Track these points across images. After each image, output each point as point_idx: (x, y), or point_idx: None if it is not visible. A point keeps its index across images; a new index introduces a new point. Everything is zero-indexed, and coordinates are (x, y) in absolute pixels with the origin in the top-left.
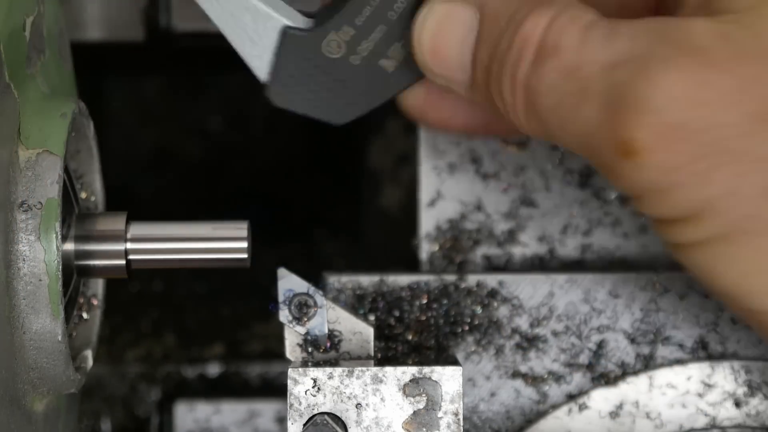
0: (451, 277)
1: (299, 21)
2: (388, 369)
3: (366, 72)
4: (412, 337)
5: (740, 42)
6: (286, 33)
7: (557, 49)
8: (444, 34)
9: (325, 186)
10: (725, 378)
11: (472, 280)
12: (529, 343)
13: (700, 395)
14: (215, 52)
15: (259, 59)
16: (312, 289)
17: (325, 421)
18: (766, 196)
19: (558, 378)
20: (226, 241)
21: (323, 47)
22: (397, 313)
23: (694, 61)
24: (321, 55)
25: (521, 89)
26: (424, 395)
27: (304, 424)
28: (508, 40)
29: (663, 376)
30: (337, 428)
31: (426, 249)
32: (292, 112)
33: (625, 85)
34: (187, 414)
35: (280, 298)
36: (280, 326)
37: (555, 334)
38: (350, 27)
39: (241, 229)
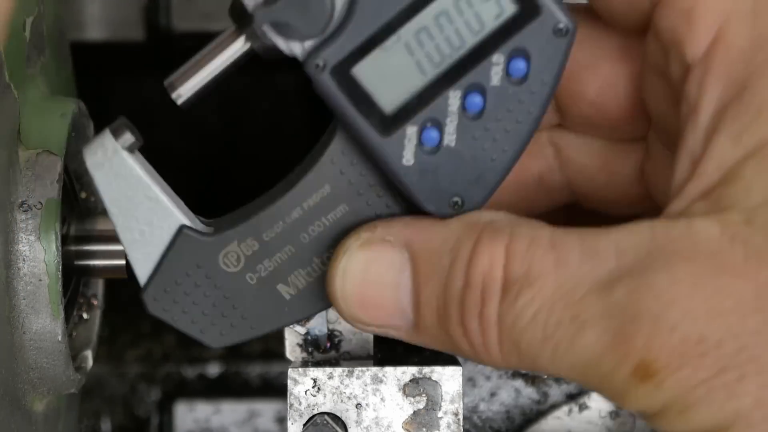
0: None
1: (199, 225)
2: (388, 369)
3: (260, 294)
4: None
5: (754, 244)
6: (182, 233)
7: (530, 278)
8: (372, 282)
9: None
10: None
11: None
12: None
13: None
14: None
15: (144, 256)
16: None
17: (325, 421)
18: None
19: (558, 378)
20: None
21: (220, 257)
22: None
23: (705, 268)
24: (215, 265)
25: (494, 328)
26: (424, 395)
27: (304, 424)
28: (462, 279)
29: None
30: (337, 428)
31: None
32: (167, 323)
33: (631, 304)
34: (187, 414)
35: None
36: None
37: None
38: (255, 241)
39: None
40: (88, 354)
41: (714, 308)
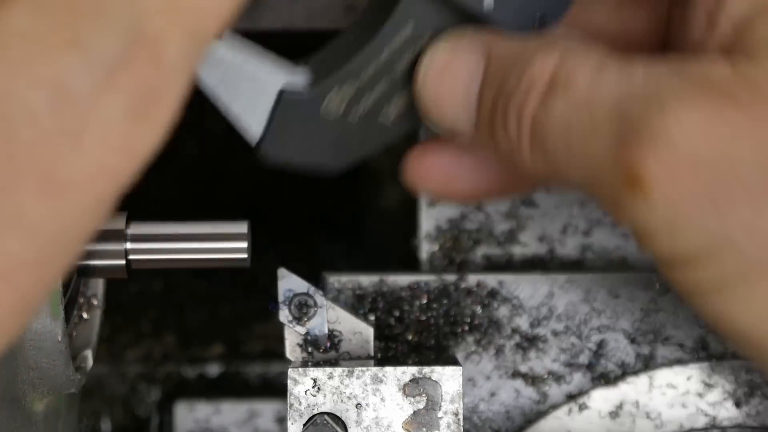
0: (451, 277)
1: (298, 79)
2: (388, 369)
3: (364, 128)
4: (412, 337)
5: (759, 84)
6: (284, 97)
7: (568, 84)
8: (447, 80)
9: (325, 186)
10: (725, 378)
11: (472, 280)
12: (529, 343)
13: (700, 395)
14: None
15: (255, 122)
16: (312, 289)
17: (325, 421)
18: None
19: (558, 378)
20: (226, 241)
21: (322, 109)
22: (397, 313)
23: (712, 99)
24: (318, 114)
25: (528, 124)
26: (424, 395)
27: (304, 424)
28: (516, 78)
29: (663, 376)
30: (337, 428)
31: (426, 249)
32: (285, 166)
33: (639, 117)
34: (187, 414)
35: (280, 298)
36: (280, 326)
37: (555, 334)
38: (354, 81)
39: (241, 228)
40: (88, 354)
41: (713, 132)
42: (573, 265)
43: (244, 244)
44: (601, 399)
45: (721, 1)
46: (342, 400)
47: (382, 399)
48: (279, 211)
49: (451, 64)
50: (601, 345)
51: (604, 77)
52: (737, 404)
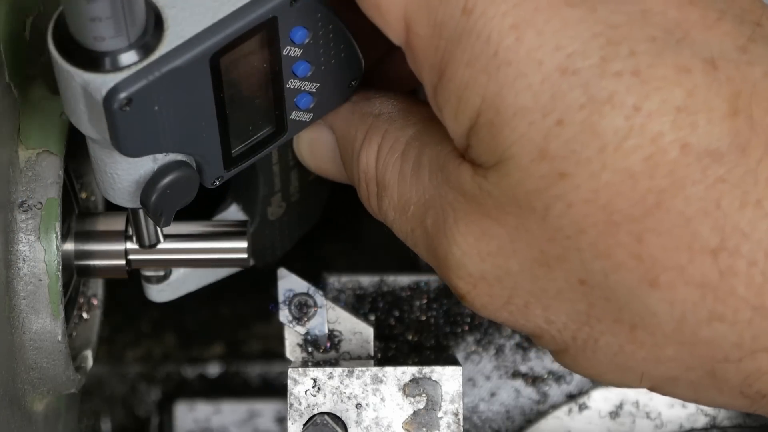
0: None
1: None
2: (388, 369)
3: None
4: (412, 337)
5: (496, 196)
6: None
7: (386, 186)
8: (316, 156)
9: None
10: None
11: None
12: (529, 342)
13: None
14: None
15: None
16: (312, 289)
17: (325, 421)
18: (578, 320)
19: (558, 378)
20: (226, 241)
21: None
22: (397, 313)
23: (472, 210)
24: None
25: (375, 208)
26: (424, 395)
27: (304, 424)
28: (356, 173)
29: None
30: (337, 428)
31: None
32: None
33: (433, 240)
34: (187, 414)
35: (280, 298)
36: (280, 326)
37: None
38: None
39: (242, 228)
40: (88, 354)
41: (483, 250)
42: None
43: (245, 244)
44: (601, 399)
45: (443, 110)
46: (342, 400)
47: (382, 399)
48: None
49: (313, 145)
50: None
51: (405, 178)
52: None
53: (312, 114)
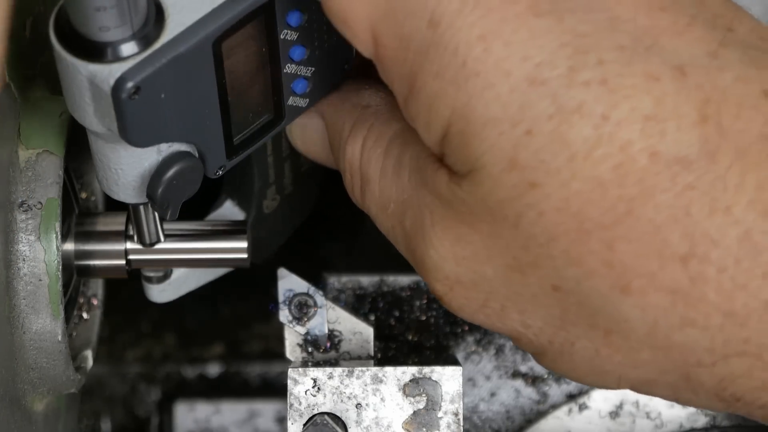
0: None
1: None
2: (388, 369)
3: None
4: (412, 337)
5: (470, 204)
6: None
7: (368, 180)
8: (306, 142)
9: (325, 186)
10: None
11: None
12: None
13: None
14: None
15: None
16: (312, 289)
17: (325, 421)
18: (554, 325)
19: (558, 378)
20: (226, 241)
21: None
22: (397, 313)
23: (449, 215)
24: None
25: (359, 198)
26: (424, 395)
27: (304, 424)
28: (342, 164)
29: None
30: (337, 428)
31: None
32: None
33: (412, 240)
34: (187, 414)
35: (280, 298)
36: (280, 326)
37: None
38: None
39: (242, 228)
40: (88, 354)
41: (459, 254)
42: None
43: (244, 244)
44: (601, 399)
45: (415, 121)
46: (342, 400)
47: (382, 399)
48: None
49: (305, 131)
50: None
51: (386, 174)
52: None
53: (308, 99)
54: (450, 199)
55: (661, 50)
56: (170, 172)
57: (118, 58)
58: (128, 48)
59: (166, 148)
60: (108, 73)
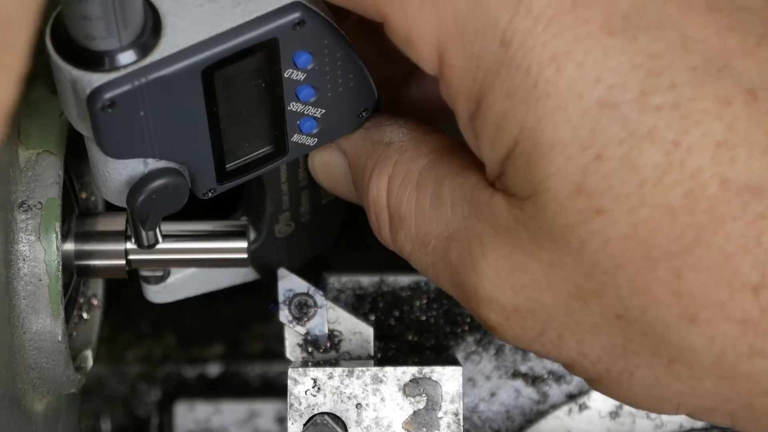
0: None
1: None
2: (388, 369)
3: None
4: (412, 337)
5: (532, 229)
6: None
7: (402, 218)
8: (329, 177)
9: None
10: None
11: None
12: None
13: None
14: None
15: None
16: (312, 289)
17: (325, 421)
18: (614, 353)
19: (558, 378)
20: (226, 240)
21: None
22: (397, 313)
23: (504, 243)
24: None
25: (392, 245)
26: (424, 395)
27: (304, 424)
28: (366, 203)
29: None
30: (337, 428)
31: None
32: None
33: (460, 274)
34: (187, 414)
35: (280, 298)
36: (280, 326)
37: None
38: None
39: (241, 228)
40: (88, 354)
41: (516, 284)
42: None
43: (244, 244)
44: (601, 399)
45: (477, 142)
46: (342, 400)
47: (382, 399)
48: None
49: (326, 167)
50: None
51: (423, 210)
52: None
53: (316, 139)
54: (508, 226)
55: (732, 72)
56: (152, 186)
57: (101, 69)
58: (114, 60)
59: (153, 162)
60: (87, 81)
